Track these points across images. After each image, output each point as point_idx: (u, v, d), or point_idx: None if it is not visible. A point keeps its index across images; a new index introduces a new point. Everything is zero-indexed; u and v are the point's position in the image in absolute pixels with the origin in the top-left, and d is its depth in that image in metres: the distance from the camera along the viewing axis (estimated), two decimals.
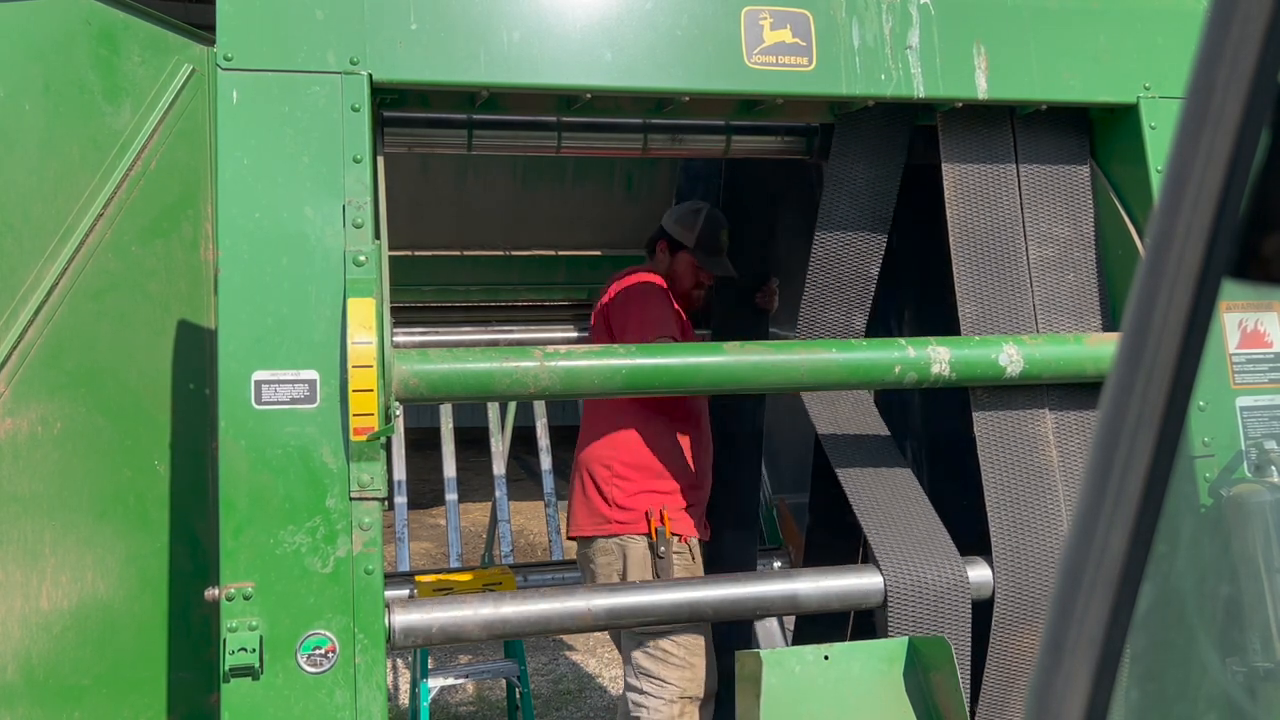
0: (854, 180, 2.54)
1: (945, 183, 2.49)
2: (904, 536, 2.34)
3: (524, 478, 10.00)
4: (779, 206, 3.43)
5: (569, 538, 3.05)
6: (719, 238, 3.16)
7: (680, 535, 2.86)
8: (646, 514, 2.84)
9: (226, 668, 1.79)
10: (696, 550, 2.91)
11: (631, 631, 2.80)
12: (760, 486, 3.46)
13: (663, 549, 2.79)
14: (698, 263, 3.12)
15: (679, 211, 3.21)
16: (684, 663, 2.77)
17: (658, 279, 3.08)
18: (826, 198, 2.55)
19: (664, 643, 2.76)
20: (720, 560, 3.45)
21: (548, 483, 5.27)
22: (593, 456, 2.96)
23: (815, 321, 2.60)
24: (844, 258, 2.56)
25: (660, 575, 2.79)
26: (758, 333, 3.45)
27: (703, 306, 3.31)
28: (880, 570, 2.30)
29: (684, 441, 2.99)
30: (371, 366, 1.86)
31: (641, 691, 2.78)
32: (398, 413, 1.99)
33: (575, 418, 5.54)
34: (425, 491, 9.02)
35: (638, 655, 2.80)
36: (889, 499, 2.41)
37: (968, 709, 2.07)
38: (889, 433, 2.58)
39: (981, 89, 2.36)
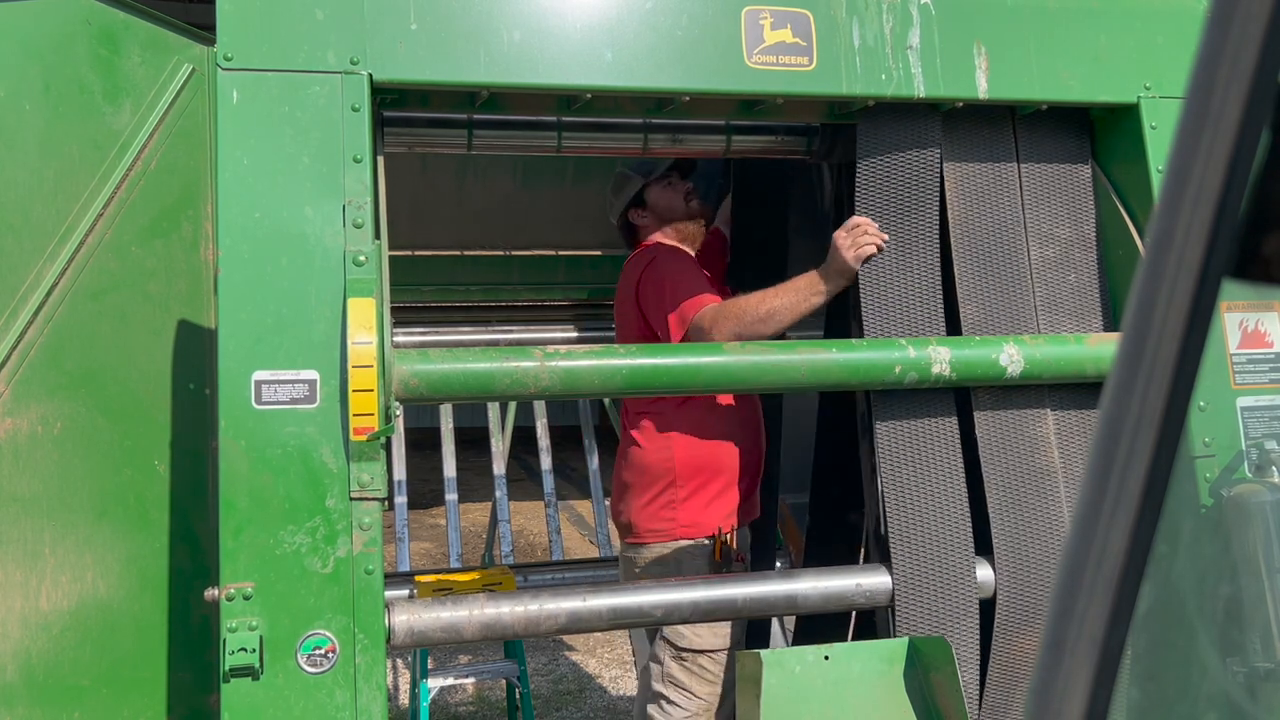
0: (892, 181, 2.47)
1: (946, 182, 2.49)
2: (921, 533, 2.32)
3: (524, 478, 10.01)
4: (789, 207, 3.42)
5: (617, 524, 2.94)
6: (650, 162, 3.04)
7: (740, 555, 2.81)
8: (715, 536, 2.77)
9: (226, 668, 1.79)
10: (749, 565, 2.89)
11: (666, 639, 2.77)
12: (777, 487, 3.44)
13: (725, 570, 2.75)
14: (659, 182, 3.02)
15: (614, 184, 3.14)
16: (715, 678, 2.76)
17: (664, 244, 2.98)
18: (862, 200, 2.46)
19: (702, 659, 2.74)
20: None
21: (548, 483, 5.27)
22: (650, 455, 2.85)
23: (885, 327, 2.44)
24: (899, 261, 2.46)
25: None
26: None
27: (711, 220, 3.19)
28: (890, 570, 2.30)
29: (743, 438, 2.91)
30: (371, 366, 1.86)
31: (668, 700, 2.75)
32: (398, 413, 1.99)
33: (575, 418, 5.57)
34: (425, 491, 9.02)
35: (672, 665, 2.76)
36: (924, 492, 2.37)
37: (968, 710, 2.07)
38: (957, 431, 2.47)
39: (982, 89, 2.36)
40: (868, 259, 2.43)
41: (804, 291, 2.51)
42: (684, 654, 2.74)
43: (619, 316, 3.05)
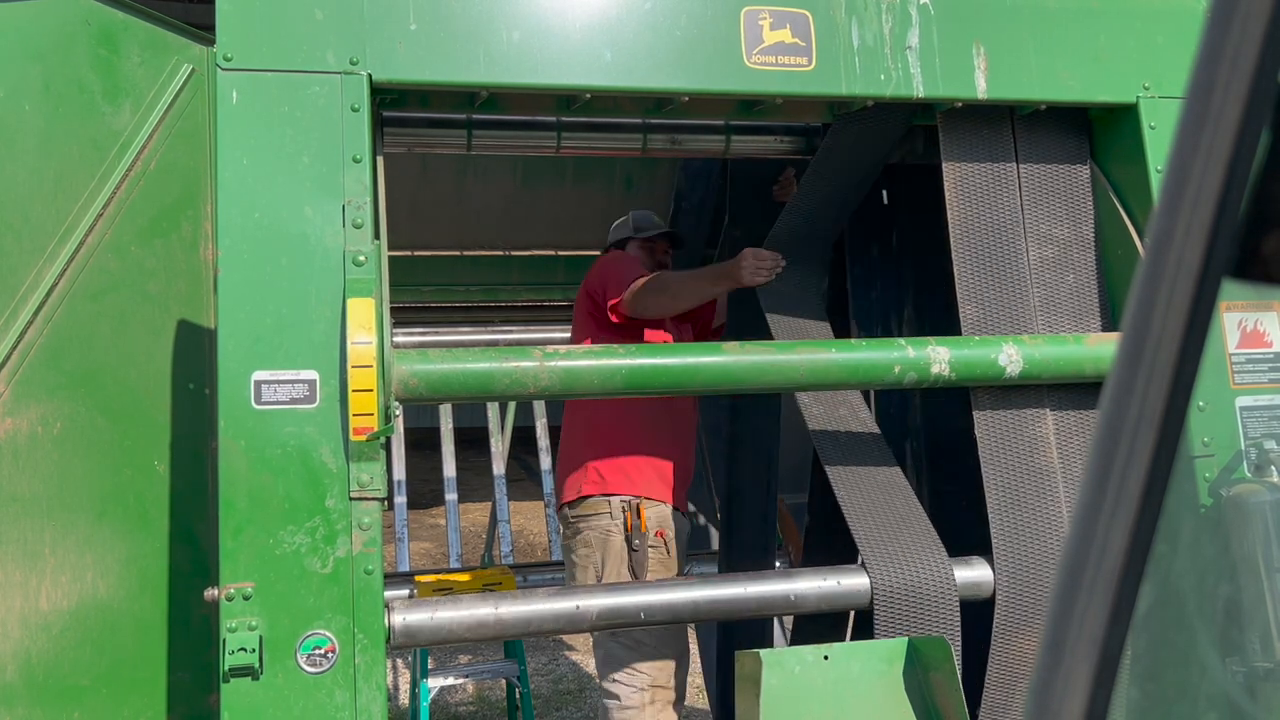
0: (834, 168, 2.65)
1: (945, 183, 2.49)
2: (892, 538, 2.33)
3: (524, 478, 10.01)
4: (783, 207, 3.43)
5: (560, 504, 3.11)
6: (649, 218, 3.39)
7: (659, 531, 2.90)
8: (623, 508, 2.89)
9: (226, 668, 1.79)
10: (673, 544, 2.95)
11: None
12: (775, 487, 3.45)
13: (636, 542, 2.84)
14: (642, 243, 3.29)
15: (613, 227, 3.45)
16: (656, 652, 2.80)
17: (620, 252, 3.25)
18: (805, 179, 2.70)
19: (636, 631, 2.78)
20: (738, 561, 3.44)
21: (548, 483, 5.28)
22: (576, 441, 3.04)
23: (775, 295, 2.76)
24: (805, 230, 2.71)
25: (635, 568, 2.83)
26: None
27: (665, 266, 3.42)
28: (867, 571, 2.30)
29: (664, 430, 3.02)
30: (371, 366, 1.86)
31: (614, 681, 2.81)
32: (397, 413, 1.99)
33: None
34: (425, 491, 9.02)
35: (609, 644, 2.84)
36: (878, 500, 2.40)
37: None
38: (880, 433, 2.58)
39: (981, 89, 2.36)
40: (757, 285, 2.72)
41: (706, 282, 2.88)
42: (619, 631, 2.79)
43: (578, 301, 3.22)
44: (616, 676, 2.80)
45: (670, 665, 2.83)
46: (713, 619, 2.81)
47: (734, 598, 2.27)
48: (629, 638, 2.80)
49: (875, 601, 2.27)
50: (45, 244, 2.20)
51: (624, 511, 2.88)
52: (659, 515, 2.92)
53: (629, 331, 2.94)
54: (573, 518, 2.95)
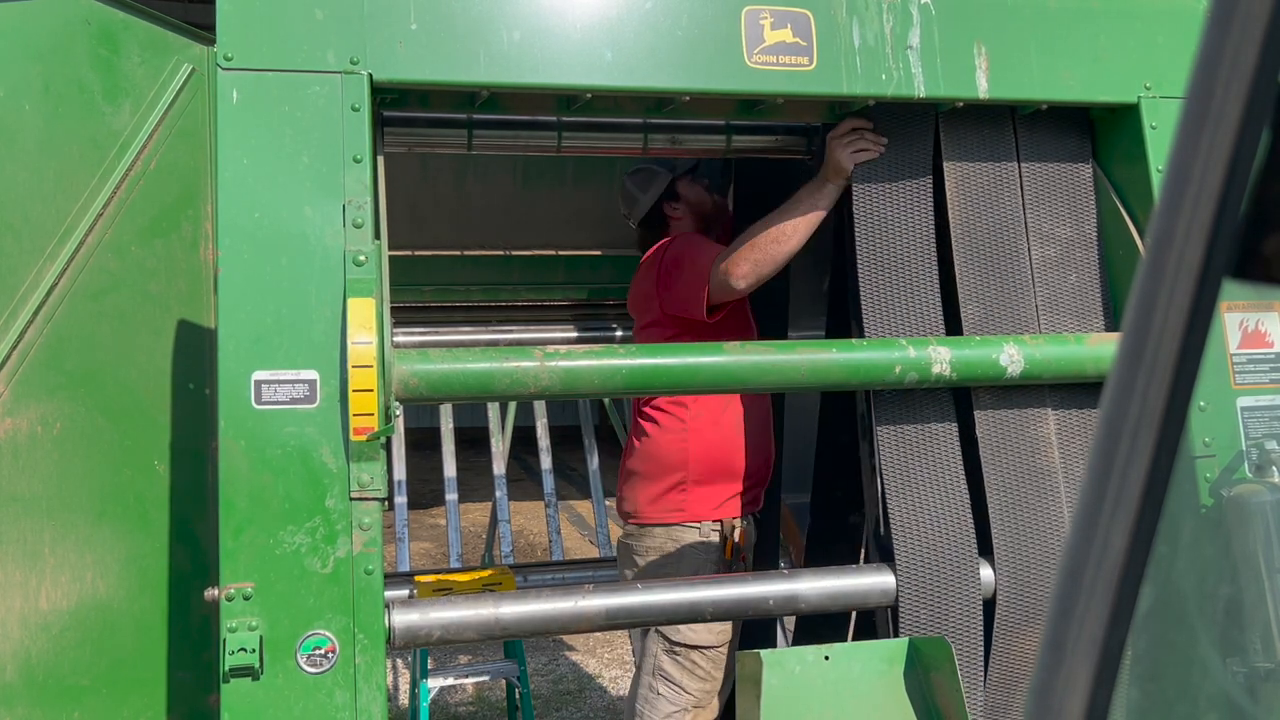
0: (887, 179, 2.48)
1: (946, 182, 2.49)
2: (926, 534, 2.31)
3: (524, 478, 10.01)
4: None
5: (621, 511, 2.96)
6: (668, 160, 3.10)
7: (743, 554, 2.83)
8: (716, 532, 2.79)
9: (226, 668, 1.79)
10: (750, 563, 2.90)
11: (659, 632, 2.77)
12: (779, 494, 3.43)
13: (731, 569, 2.77)
14: (686, 177, 3.04)
15: (638, 180, 3.12)
16: (708, 675, 2.75)
17: (685, 232, 3.01)
18: (859, 199, 2.46)
19: (695, 654, 2.74)
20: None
21: (548, 483, 5.28)
22: (663, 446, 2.86)
23: (885, 326, 2.43)
24: (895, 256, 2.46)
25: None
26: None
27: (727, 215, 3.21)
28: (893, 570, 2.30)
29: (756, 439, 2.92)
30: (371, 366, 1.86)
31: (656, 692, 2.76)
32: (398, 413, 1.99)
33: (575, 418, 5.57)
34: (425, 491, 9.02)
35: (664, 659, 2.76)
36: (929, 497, 2.36)
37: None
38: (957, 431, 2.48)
39: (982, 89, 2.36)
40: (862, 163, 2.44)
41: (805, 202, 2.51)
42: (676, 648, 2.75)
43: (640, 304, 3.01)
44: (661, 690, 2.75)
45: (717, 685, 2.78)
46: (720, 619, 2.81)
47: (743, 597, 2.27)
48: (686, 659, 2.74)
49: (900, 600, 2.27)
50: (45, 244, 2.20)
51: (719, 535, 2.80)
52: (749, 535, 2.88)
53: (722, 327, 2.74)
54: (651, 528, 2.85)
